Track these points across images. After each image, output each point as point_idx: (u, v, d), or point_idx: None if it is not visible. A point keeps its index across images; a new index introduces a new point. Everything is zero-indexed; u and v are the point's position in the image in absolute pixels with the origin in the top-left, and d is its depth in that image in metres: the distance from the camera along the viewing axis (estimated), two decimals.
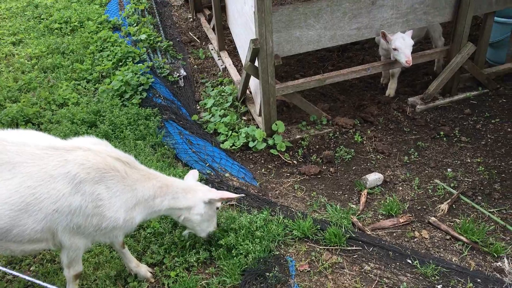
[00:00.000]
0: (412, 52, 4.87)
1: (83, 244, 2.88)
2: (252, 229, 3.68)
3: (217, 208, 3.45)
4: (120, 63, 6.14)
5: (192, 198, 3.21)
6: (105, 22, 7.23)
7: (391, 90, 5.55)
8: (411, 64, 4.83)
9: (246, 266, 3.42)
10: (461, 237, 3.67)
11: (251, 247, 3.50)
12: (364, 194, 4.22)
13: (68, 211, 2.68)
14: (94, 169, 2.72)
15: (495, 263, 3.47)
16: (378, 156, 4.73)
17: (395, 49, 4.82)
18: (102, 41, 6.63)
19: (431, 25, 5.44)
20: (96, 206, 2.74)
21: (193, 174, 3.50)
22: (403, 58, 4.79)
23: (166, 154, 4.66)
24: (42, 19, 7.67)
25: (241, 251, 3.49)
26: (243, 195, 3.48)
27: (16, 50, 6.81)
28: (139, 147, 4.60)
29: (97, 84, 5.93)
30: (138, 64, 5.97)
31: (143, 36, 6.70)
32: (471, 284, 3.25)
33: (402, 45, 4.81)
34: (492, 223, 3.83)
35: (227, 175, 4.50)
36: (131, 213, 2.90)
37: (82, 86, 5.88)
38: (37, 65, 6.31)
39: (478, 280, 3.29)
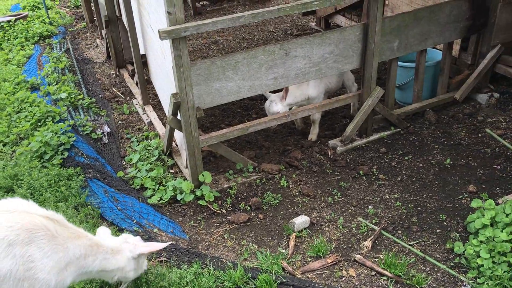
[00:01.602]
0: (329, 97, 5.27)
1: None
2: (182, 284, 3.61)
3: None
4: (40, 124, 5.96)
5: (121, 258, 3.17)
6: (23, 82, 7.04)
7: (313, 135, 5.82)
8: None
9: None
10: (385, 272, 3.82)
11: None
12: (292, 238, 4.30)
13: None
14: (24, 230, 2.63)
15: None
16: (304, 199, 4.87)
17: None
18: (19, 102, 6.42)
19: (344, 74, 5.88)
20: (28, 269, 2.61)
21: (103, 231, 3.42)
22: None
23: (90, 214, 4.51)
24: None
25: None
26: (170, 242, 3.51)
27: None
28: (60, 209, 4.41)
29: (14, 147, 5.69)
30: (59, 124, 5.82)
31: (63, 95, 6.58)
32: None
33: (266, 109, 5.46)
34: (413, 256, 4.03)
35: (155, 230, 4.41)
36: (63, 274, 2.81)
37: None
38: None
39: None
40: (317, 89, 5.54)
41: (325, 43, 4.93)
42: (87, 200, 4.69)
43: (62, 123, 5.81)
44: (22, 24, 9.41)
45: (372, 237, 4.22)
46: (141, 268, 3.43)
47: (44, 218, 2.78)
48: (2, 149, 5.63)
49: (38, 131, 5.66)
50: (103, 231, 3.41)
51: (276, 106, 5.34)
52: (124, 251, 3.19)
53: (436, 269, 3.88)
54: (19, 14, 10.03)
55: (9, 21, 9.56)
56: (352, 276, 3.86)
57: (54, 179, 4.81)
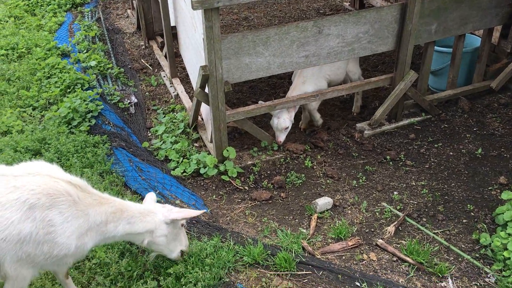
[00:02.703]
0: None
1: (30, 275, 2.76)
2: (202, 256, 3.62)
3: (182, 225, 3.37)
4: (69, 90, 6.01)
5: (152, 220, 3.14)
6: (54, 48, 7.09)
7: (317, 121, 5.54)
8: (279, 143, 5.13)
9: None
10: (407, 259, 3.75)
11: (201, 275, 3.44)
12: (314, 219, 4.26)
13: (18, 239, 2.56)
14: (45, 194, 2.64)
15: (439, 283, 3.56)
16: (328, 181, 4.81)
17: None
18: (50, 67, 6.48)
19: (349, 66, 5.50)
20: (48, 233, 2.64)
21: (151, 197, 3.42)
22: (278, 137, 5.13)
23: (114, 182, 4.56)
24: None
25: (191, 280, 3.42)
26: (204, 211, 3.41)
27: None
28: (86, 175, 4.47)
29: (43, 111, 5.77)
30: (87, 91, 5.86)
31: (93, 63, 6.61)
32: None
33: (273, 126, 5.13)
34: (437, 244, 3.94)
35: (177, 202, 4.43)
36: (83, 239, 2.82)
37: (27, 114, 5.70)
38: None
39: None
40: (314, 83, 5.20)
41: (361, 22, 4.79)
42: (112, 168, 4.74)
43: (90, 91, 5.85)
44: None
45: (395, 222, 4.14)
46: (175, 240, 3.33)
47: (67, 183, 2.77)
48: (31, 113, 5.72)
49: (67, 97, 5.71)
50: (150, 197, 3.41)
51: (285, 121, 5.03)
52: (156, 214, 3.17)
53: (460, 259, 3.79)
54: None
55: None
56: (372, 260, 3.80)
57: (81, 145, 4.86)
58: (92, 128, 5.35)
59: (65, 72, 6.30)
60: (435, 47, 5.55)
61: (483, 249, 3.85)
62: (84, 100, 5.61)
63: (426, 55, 5.39)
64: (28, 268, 2.72)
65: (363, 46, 4.95)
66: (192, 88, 5.99)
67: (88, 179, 4.43)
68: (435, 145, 5.22)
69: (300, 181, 4.80)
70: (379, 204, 4.46)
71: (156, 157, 5.14)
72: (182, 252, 3.46)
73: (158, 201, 4.29)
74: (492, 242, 3.77)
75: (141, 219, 3.09)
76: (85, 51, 7.08)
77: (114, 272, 3.48)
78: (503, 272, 3.58)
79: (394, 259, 3.81)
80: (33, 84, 6.23)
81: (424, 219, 4.24)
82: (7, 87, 6.15)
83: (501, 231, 3.82)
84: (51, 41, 7.27)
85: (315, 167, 5.02)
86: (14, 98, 5.96)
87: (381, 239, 4.02)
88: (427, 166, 4.93)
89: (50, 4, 8.96)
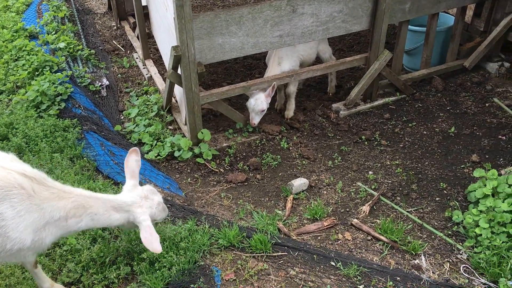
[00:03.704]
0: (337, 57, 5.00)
1: None
2: (177, 240, 3.58)
3: (156, 224, 3.23)
4: (37, 73, 5.81)
5: (120, 218, 2.95)
6: (21, 30, 6.83)
7: (289, 111, 5.41)
8: (254, 125, 5.04)
9: (170, 279, 3.32)
10: (382, 237, 3.78)
11: (175, 259, 3.41)
12: (290, 200, 4.25)
13: None
14: None
15: (413, 261, 3.60)
16: (304, 162, 4.80)
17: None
18: (17, 50, 6.24)
19: (320, 46, 5.45)
20: None
21: (136, 160, 3.17)
22: (253, 119, 5.01)
23: (86, 166, 4.45)
24: None
25: (165, 264, 3.38)
26: (160, 251, 2.94)
27: None
28: (55, 160, 4.35)
29: (11, 95, 5.57)
30: (57, 74, 5.67)
31: (62, 45, 6.40)
32: (391, 283, 3.34)
33: (249, 107, 5.01)
34: (410, 222, 3.98)
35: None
36: (40, 234, 2.67)
37: None
38: None
39: (398, 278, 3.39)
40: (289, 63, 5.15)
41: (335, 1, 4.73)
42: (83, 152, 4.62)
43: (60, 73, 5.67)
44: None
45: (370, 202, 4.16)
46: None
47: (21, 175, 2.61)
48: None
49: (35, 80, 5.52)
50: (132, 162, 3.16)
51: (262, 103, 4.93)
52: (128, 213, 2.97)
53: (433, 237, 3.84)
54: None
55: None
56: (347, 239, 3.82)
57: (50, 130, 4.73)
58: (61, 112, 5.19)
59: (33, 55, 6.08)
60: (409, 27, 5.54)
61: (456, 227, 3.91)
62: (53, 83, 5.43)
63: (400, 35, 5.38)
64: None
65: (337, 25, 4.90)
66: (166, 69, 5.86)
67: (58, 164, 4.32)
68: (409, 124, 5.25)
69: (276, 162, 4.77)
70: (354, 184, 4.47)
71: (129, 140, 5.05)
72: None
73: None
74: (464, 219, 3.82)
75: (108, 216, 2.90)
76: (54, 32, 6.84)
77: (86, 259, 3.40)
78: (475, 249, 3.64)
79: (369, 238, 3.84)
80: None
81: (398, 198, 4.27)
82: None
83: (473, 208, 3.87)
84: (19, 23, 7.00)
85: (291, 148, 4.99)
86: None
87: (356, 218, 4.04)
88: (401, 146, 4.96)
89: None
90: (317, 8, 4.69)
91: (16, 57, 6.17)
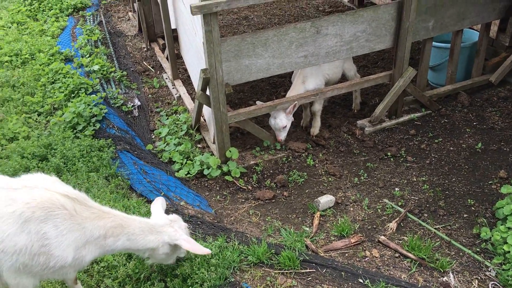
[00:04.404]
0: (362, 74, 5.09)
1: (31, 284, 2.83)
2: (208, 257, 3.70)
3: (188, 227, 3.40)
4: (73, 95, 6.10)
5: (155, 240, 3.12)
6: (57, 53, 7.18)
7: (315, 128, 5.51)
8: (281, 141, 5.21)
9: None
10: (409, 254, 3.82)
11: (207, 275, 3.52)
12: (317, 217, 4.33)
13: (14, 251, 2.64)
14: (40, 208, 2.70)
15: (441, 278, 3.63)
16: (330, 179, 4.88)
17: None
18: (53, 73, 6.57)
19: (345, 64, 5.54)
20: (43, 245, 2.70)
21: (160, 203, 3.42)
22: (279, 136, 5.19)
23: (120, 185, 4.64)
24: None
25: (197, 280, 3.51)
26: (210, 252, 3.31)
27: None
28: (92, 179, 4.56)
29: (48, 117, 5.86)
30: (91, 95, 5.95)
31: (96, 67, 6.69)
32: None
33: (271, 125, 5.19)
34: (438, 239, 4.01)
35: (182, 203, 4.51)
36: (81, 252, 2.85)
37: (33, 119, 5.79)
38: None
39: None
40: (314, 82, 5.26)
41: (358, 21, 4.84)
42: (117, 171, 4.82)
43: (94, 95, 5.94)
44: None
45: (397, 219, 4.21)
46: (174, 253, 3.35)
47: (63, 197, 2.80)
48: (37, 119, 5.81)
49: (72, 102, 5.80)
50: (157, 204, 3.39)
51: (281, 120, 5.06)
52: (162, 234, 3.14)
53: (461, 254, 3.85)
54: None
55: None
56: (375, 256, 3.87)
57: (86, 150, 4.95)
58: (97, 132, 5.44)
59: (68, 77, 6.39)
60: (434, 43, 5.60)
61: (484, 243, 3.91)
62: (88, 105, 5.70)
63: (424, 51, 5.44)
64: (27, 278, 2.79)
65: (361, 44, 5.01)
66: (194, 89, 6.06)
67: (94, 183, 4.53)
68: (436, 141, 5.27)
69: (302, 179, 4.87)
70: (380, 201, 4.52)
71: (160, 159, 5.23)
72: (178, 258, 3.51)
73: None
74: (492, 236, 3.83)
75: (143, 237, 3.06)
76: (88, 55, 7.16)
77: (122, 275, 3.57)
78: (503, 266, 3.64)
79: (396, 255, 3.88)
80: (37, 90, 6.33)
81: (426, 215, 4.30)
82: (12, 94, 6.25)
83: (501, 225, 3.88)
84: (54, 46, 7.36)
85: (317, 165, 5.08)
86: (20, 105, 6.05)
87: (383, 235, 4.08)
88: (428, 162, 4.99)
89: (52, 9, 9.05)
90: (340, 28, 4.81)
91: (53, 80, 6.48)
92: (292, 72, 5.69)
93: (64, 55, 7.14)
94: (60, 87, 6.24)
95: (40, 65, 6.87)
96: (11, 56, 7.26)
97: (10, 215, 2.64)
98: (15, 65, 7.09)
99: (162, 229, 3.16)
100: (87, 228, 2.84)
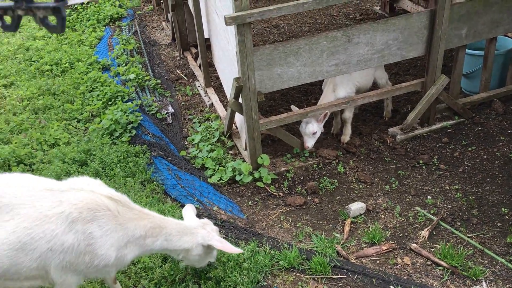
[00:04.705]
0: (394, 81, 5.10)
1: (75, 281, 2.98)
2: (240, 260, 3.79)
3: (220, 231, 3.51)
4: (110, 103, 6.33)
5: (189, 241, 3.25)
6: (95, 63, 7.46)
7: (345, 136, 5.55)
8: (307, 148, 5.24)
9: None
10: (441, 262, 3.81)
11: (239, 279, 3.61)
12: (347, 223, 4.36)
13: (61, 249, 2.80)
14: (86, 209, 2.85)
15: (474, 287, 3.60)
16: (361, 186, 4.90)
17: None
18: (92, 81, 6.83)
19: (376, 73, 5.58)
20: (88, 245, 2.85)
21: (190, 209, 3.57)
22: (307, 142, 5.23)
23: (155, 190, 4.79)
24: (33, 61, 7.88)
25: (230, 283, 3.59)
26: (242, 251, 3.52)
27: (7, 92, 6.98)
28: (128, 184, 4.73)
29: (87, 124, 6.10)
30: (127, 103, 6.16)
31: (131, 76, 6.92)
32: None
33: (301, 130, 5.26)
34: (471, 248, 3.98)
35: (215, 208, 4.62)
36: (123, 251, 3.00)
37: (72, 126, 6.04)
38: (28, 106, 6.47)
39: None
40: (345, 90, 5.30)
41: (390, 30, 4.87)
42: (152, 176, 4.98)
43: (130, 103, 6.15)
44: (94, 7, 9.90)
45: (429, 227, 4.20)
46: (209, 258, 3.48)
47: (108, 198, 2.96)
48: (76, 125, 6.06)
49: (109, 109, 6.02)
50: (189, 210, 3.54)
51: (313, 126, 5.15)
52: (196, 235, 3.27)
53: (494, 263, 3.81)
54: None
55: (82, 3, 10.07)
56: (407, 264, 3.88)
57: (123, 155, 5.14)
58: (133, 139, 5.63)
59: (106, 86, 6.63)
60: (467, 50, 5.56)
61: None
62: (125, 112, 5.90)
63: (458, 59, 5.41)
64: (72, 276, 2.94)
65: (392, 52, 5.03)
66: (226, 97, 6.20)
67: (131, 187, 4.69)
68: (469, 149, 5.23)
69: (333, 186, 4.91)
70: (412, 209, 4.52)
71: (193, 165, 5.36)
72: (209, 262, 3.61)
73: (196, 208, 4.51)
74: None
75: (179, 238, 3.20)
76: (124, 64, 7.41)
77: (158, 276, 3.69)
78: None
79: (428, 263, 3.87)
80: (76, 97, 6.59)
81: (458, 223, 4.27)
82: (53, 101, 6.53)
83: None
84: (92, 56, 7.64)
85: (347, 172, 5.12)
86: (60, 112, 6.31)
87: (415, 243, 4.08)
88: (461, 170, 4.95)
89: (89, 20, 9.40)
90: (372, 37, 4.85)
91: (91, 88, 6.74)
92: (323, 80, 5.76)
93: (101, 64, 7.41)
94: (98, 95, 6.48)
95: (79, 74, 7.15)
96: (52, 65, 7.58)
97: (59, 215, 2.80)
98: (55, 74, 7.40)
99: (195, 231, 3.30)
100: (129, 229, 2.98)
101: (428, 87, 5.35)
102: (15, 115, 6.35)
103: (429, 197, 4.64)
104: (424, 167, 5.07)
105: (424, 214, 4.39)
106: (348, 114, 5.46)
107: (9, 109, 6.46)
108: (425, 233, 4.16)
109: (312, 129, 5.16)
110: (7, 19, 1.03)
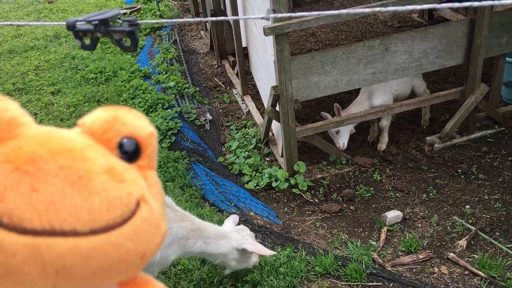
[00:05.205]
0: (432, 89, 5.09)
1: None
2: (276, 265, 3.87)
3: (257, 236, 3.61)
4: (151, 109, 6.55)
5: (225, 245, 3.34)
6: (137, 71, 7.74)
7: (382, 144, 5.53)
8: (340, 148, 5.29)
9: None
10: (479, 272, 3.77)
11: (276, 283, 3.69)
12: (384, 231, 4.37)
13: None
14: None
15: None
16: (397, 194, 4.89)
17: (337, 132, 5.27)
18: (134, 89, 7.09)
19: (414, 81, 5.55)
20: None
21: (233, 219, 3.69)
22: (336, 143, 5.29)
23: (194, 194, 4.94)
24: (79, 69, 8.25)
25: (266, 287, 3.68)
26: (275, 253, 3.62)
27: (55, 99, 7.34)
28: (168, 188, 4.90)
29: None
30: (167, 110, 6.37)
31: (171, 83, 7.14)
32: None
33: (329, 133, 5.35)
34: (510, 258, 3.92)
35: (251, 214, 4.73)
36: (167, 251, 3.14)
37: None
38: (74, 113, 6.78)
39: None
40: (381, 98, 5.31)
41: (428, 38, 4.87)
42: (191, 181, 5.13)
43: (170, 110, 6.35)
44: (136, 17, 10.24)
45: (467, 236, 4.16)
46: (245, 262, 3.54)
47: None
48: None
49: (150, 116, 6.24)
50: (230, 219, 3.66)
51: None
52: (231, 239, 3.37)
53: None
54: (133, 7, 10.93)
55: (124, 14, 10.46)
56: (444, 273, 3.86)
57: (163, 161, 5.32)
58: (172, 145, 5.82)
59: (147, 93, 6.87)
60: (508, 59, 5.47)
61: None
62: (165, 119, 6.10)
63: (498, 68, 5.33)
64: None
65: (431, 61, 5.02)
66: (263, 104, 6.31)
67: (171, 192, 4.86)
68: (509, 158, 5.13)
69: (369, 194, 4.93)
70: (450, 218, 4.48)
71: (231, 171, 5.49)
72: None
73: (233, 213, 4.64)
74: None
75: (216, 241, 3.30)
76: (164, 72, 7.65)
77: (197, 278, 3.82)
78: None
79: (466, 272, 3.84)
80: (119, 104, 6.85)
81: (497, 233, 4.21)
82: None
83: None
84: (134, 64, 7.93)
85: (384, 180, 5.12)
86: None
87: (453, 252, 4.05)
88: (500, 180, 4.87)
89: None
90: (410, 45, 4.86)
91: (133, 96, 7.00)
92: (360, 88, 5.78)
93: (143, 72, 7.68)
94: (139, 102, 6.72)
95: (122, 82, 7.44)
96: (96, 73, 7.91)
97: None
98: (99, 82, 7.72)
99: (230, 235, 3.41)
100: (173, 229, 3.12)
101: (467, 95, 5.30)
102: (62, 121, 6.66)
103: (467, 206, 4.59)
104: (462, 176, 5.01)
105: (462, 224, 4.36)
106: (385, 123, 5.46)
107: (57, 115, 6.78)
108: (463, 242, 4.12)
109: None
110: (86, 40, 1.17)
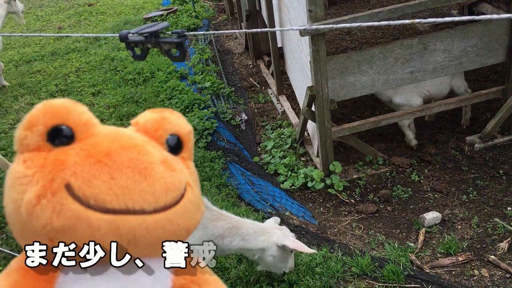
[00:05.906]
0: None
1: None
2: (312, 265, 3.89)
3: (292, 251, 3.55)
4: (187, 110, 6.67)
5: (265, 240, 3.36)
6: (173, 72, 7.89)
7: (409, 141, 5.52)
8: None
9: None
10: None
11: (312, 283, 3.70)
12: (422, 233, 4.31)
13: None
14: None
15: None
16: (436, 195, 4.81)
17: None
18: (171, 89, 7.23)
19: (453, 81, 5.40)
20: None
21: (275, 219, 3.71)
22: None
23: (230, 194, 5.01)
24: (118, 71, 8.48)
25: (302, 287, 3.70)
26: (315, 251, 3.62)
27: (95, 100, 7.57)
28: (205, 187, 4.98)
29: None
30: (203, 110, 6.46)
31: (207, 84, 7.24)
32: None
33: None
34: None
35: (287, 213, 4.75)
36: None
37: None
38: (114, 113, 6.98)
39: None
40: (404, 96, 5.21)
41: (468, 36, 4.76)
42: (227, 181, 5.21)
43: (206, 110, 6.45)
44: (172, 18, 10.44)
45: (509, 239, 4.05)
46: (282, 262, 3.51)
47: None
48: None
49: (187, 116, 6.35)
50: (274, 219, 3.68)
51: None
52: (271, 235, 3.38)
53: None
54: (170, 9, 11.13)
55: (161, 15, 10.66)
56: (484, 276, 3.78)
57: (200, 160, 5.41)
58: (208, 145, 5.90)
59: (184, 93, 7.00)
60: None
61: None
62: (201, 119, 6.20)
63: None
64: None
65: (471, 59, 4.90)
66: (298, 104, 6.32)
67: (207, 191, 4.94)
68: None
69: (407, 195, 4.86)
70: (491, 220, 4.37)
71: (266, 171, 5.53)
72: (284, 272, 3.68)
73: (269, 213, 4.68)
74: None
75: (255, 237, 3.33)
76: (200, 73, 7.77)
77: (234, 276, 3.87)
78: None
79: (507, 275, 3.75)
80: (157, 105, 7.01)
81: None
82: (136, 108, 6.99)
83: None
84: (171, 65, 8.08)
85: (422, 181, 5.04)
86: None
87: (494, 255, 3.96)
88: None
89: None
90: (449, 44, 4.76)
91: (170, 96, 7.14)
92: None
93: (179, 73, 7.83)
94: (176, 103, 6.86)
95: (159, 83, 7.60)
96: (134, 74, 8.11)
97: None
98: (138, 83, 7.91)
99: (271, 231, 3.42)
100: (208, 228, 3.20)
101: (509, 94, 5.14)
102: (103, 121, 6.86)
103: (509, 208, 4.46)
104: (504, 177, 4.88)
105: (504, 226, 4.24)
106: (403, 122, 5.36)
107: (97, 116, 6.95)
108: (504, 245, 4.02)
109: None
110: (138, 50, 1.24)
